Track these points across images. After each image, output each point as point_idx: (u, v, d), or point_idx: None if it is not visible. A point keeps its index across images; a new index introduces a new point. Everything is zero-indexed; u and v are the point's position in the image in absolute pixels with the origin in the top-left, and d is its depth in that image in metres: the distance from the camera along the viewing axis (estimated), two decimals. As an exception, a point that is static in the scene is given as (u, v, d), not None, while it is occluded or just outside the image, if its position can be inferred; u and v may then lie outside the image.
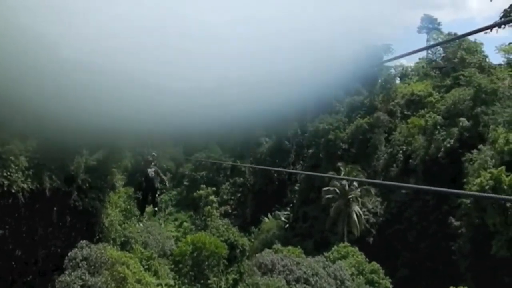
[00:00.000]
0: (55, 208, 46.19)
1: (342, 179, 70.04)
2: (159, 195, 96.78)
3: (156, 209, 27.85)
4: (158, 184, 24.50)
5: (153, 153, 25.26)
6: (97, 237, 46.24)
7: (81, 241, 40.14)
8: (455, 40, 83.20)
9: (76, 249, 38.74)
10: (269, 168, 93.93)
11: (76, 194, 47.58)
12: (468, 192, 10.99)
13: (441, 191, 6.91)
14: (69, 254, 38.64)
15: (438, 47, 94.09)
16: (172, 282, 45.11)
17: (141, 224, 57.07)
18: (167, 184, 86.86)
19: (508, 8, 24.88)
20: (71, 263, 37.57)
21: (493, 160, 56.93)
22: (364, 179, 74.01)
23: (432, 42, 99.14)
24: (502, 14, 29.01)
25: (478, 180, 53.41)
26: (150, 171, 22.09)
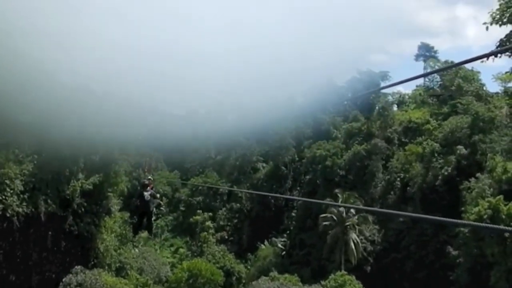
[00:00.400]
0: (50, 233, 45.91)
1: (340, 205, 69.67)
2: (155, 220, 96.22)
3: (151, 233, 27.52)
4: (154, 207, 24.25)
5: (149, 177, 25.19)
6: (92, 262, 45.86)
7: (76, 267, 39.84)
8: (452, 67, 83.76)
9: (71, 275, 38.42)
10: (266, 193, 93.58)
11: (72, 219, 47.35)
12: (466, 222, 10.78)
13: (440, 220, 6.71)
14: (63, 279, 38.33)
15: (435, 75, 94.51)
16: (167, 310, 44.67)
17: (136, 250, 56.68)
18: (162, 207, 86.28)
19: (504, 37, 24.91)
20: (65, 289, 37.13)
21: (491, 189, 56.76)
22: (361, 207, 73.52)
23: (429, 70, 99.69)
24: (498, 43, 29.14)
25: (476, 209, 53.13)
26: (146, 194, 21.88)
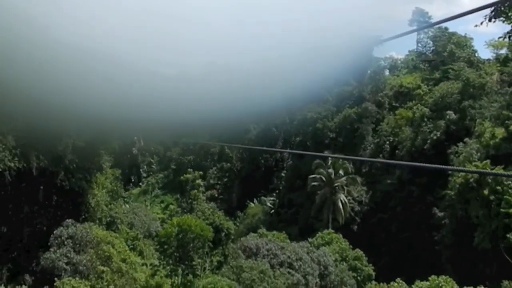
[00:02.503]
0: (41, 187, 46.30)
1: (333, 157, 70.15)
2: (146, 177, 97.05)
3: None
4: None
5: None
6: (83, 216, 46.42)
7: (67, 220, 40.28)
8: (441, 23, 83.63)
9: (62, 228, 38.88)
10: (257, 147, 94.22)
11: (63, 174, 47.66)
12: (458, 168, 11.24)
13: (429, 167, 7.18)
14: (54, 232, 38.79)
15: (428, 40, 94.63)
16: (156, 262, 45.43)
17: (127, 205, 57.36)
18: (154, 165, 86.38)
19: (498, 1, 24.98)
20: (56, 241, 37.73)
21: (479, 154, 57.61)
22: (352, 157, 74.30)
23: (422, 36, 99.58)
24: (492, 8, 29.34)
25: (463, 173, 53.99)
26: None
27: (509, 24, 54.01)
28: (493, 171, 46.80)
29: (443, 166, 7.72)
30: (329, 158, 71.80)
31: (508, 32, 56.59)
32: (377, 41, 37.12)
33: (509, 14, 50.16)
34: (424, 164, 7.29)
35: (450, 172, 59.22)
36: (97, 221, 46.54)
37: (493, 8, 29.95)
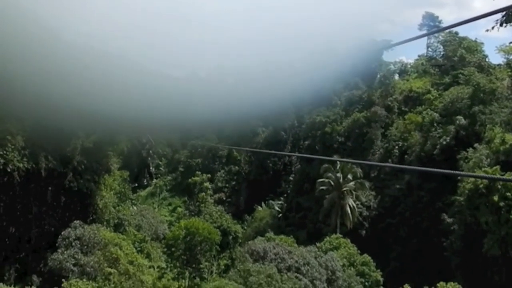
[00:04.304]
0: (50, 188, 46.41)
1: (340, 160, 69.93)
2: (154, 179, 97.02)
3: None
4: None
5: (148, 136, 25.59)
6: (91, 218, 46.52)
7: (75, 221, 40.36)
8: (453, 27, 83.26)
9: (70, 229, 38.96)
10: (266, 151, 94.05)
11: (72, 175, 47.79)
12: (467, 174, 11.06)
13: (438, 172, 6.99)
14: (62, 233, 38.87)
15: (438, 45, 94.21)
16: (164, 265, 45.43)
17: (135, 207, 57.35)
18: (162, 167, 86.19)
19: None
20: (64, 242, 37.79)
21: (488, 159, 57.14)
22: (360, 161, 73.89)
23: (433, 40, 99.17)
24: (504, 13, 29.00)
25: (472, 179, 53.57)
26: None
27: (520, 29, 53.58)
28: (503, 177, 46.49)
29: (452, 171, 7.53)
30: (338, 162, 71.49)
31: (519, 38, 56.18)
32: (387, 45, 37.00)
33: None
34: (434, 169, 7.13)
35: (459, 177, 58.87)
36: (105, 223, 46.61)
37: (504, 13, 29.59)
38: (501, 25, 52.25)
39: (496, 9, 7.03)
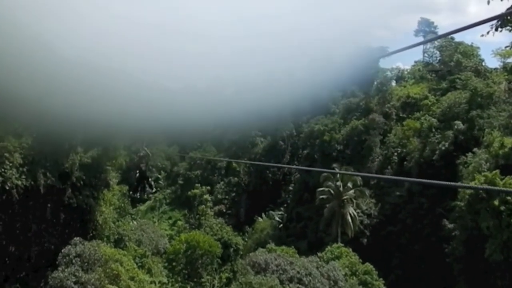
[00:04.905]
0: (49, 205, 46.17)
1: (339, 172, 70.01)
2: (153, 193, 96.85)
3: None
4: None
5: (145, 149, 25.63)
6: (91, 234, 46.24)
7: (75, 238, 40.14)
8: (449, 35, 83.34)
9: (70, 246, 38.72)
10: (265, 164, 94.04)
11: (70, 191, 47.57)
12: (464, 185, 11.00)
13: (440, 184, 6.89)
14: (62, 250, 38.63)
15: (435, 50, 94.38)
16: (165, 280, 45.12)
17: (135, 222, 57.06)
18: (161, 180, 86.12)
19: (506, 10, 24.76)
20: (64, 260, 37.55)
21: (488, 164, 57.11)
22: (360, 174, 73.81)
23: (429, 46, 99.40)
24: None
25: (472, 183, 53.46)
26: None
27: (516, 33, 53.78)
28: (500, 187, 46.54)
29: (447, 183, 7.44)
30: (337, 170, 71.37)
31: (515, 42, 56.27)
32: (385, 53, 36.97)
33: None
34: (439, 182, 7.04)
35: (459, 182, 58.83)
36: (105, 239, 46.34)
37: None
38: (496, 29, 52.32)
39: (493, 16, 6.98)
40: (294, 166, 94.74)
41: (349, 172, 73.99)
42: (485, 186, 52.45)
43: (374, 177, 75.81)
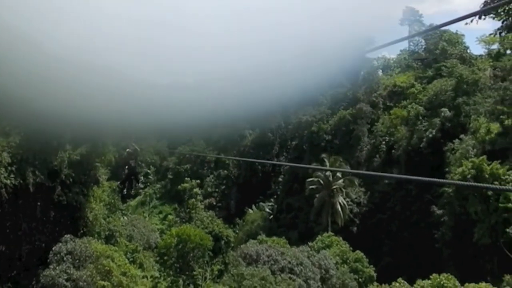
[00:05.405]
0: (38, 203, 46.14)
1: (325, 169, 70.44)
2: (143, 188, 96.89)
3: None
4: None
5: (133, 145, 25.74)
6: (82, 231, 46.29)
7: (66, 236, 40.22)
8: (436, 29, 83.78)
9: (61, 244, 38.81)
10: (252, 160, 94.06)
11: (60, 189, 47.54)
12: (450, 181, 11.31)
13: (424, 180, 7.13)
14: (53, 248, 38.72)
15: (420, 39, 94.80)
16: (157, 274, 45.35)
17: (125, 218, 57.20)
18: (151, 175, 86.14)
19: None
20: (55, 257, 37.64)
21: (475, 150, 57.66)
22: (348, 170, 74.29)
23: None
24: (482, 5, 29.38)
25: (460, 170, 53.98)
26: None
27: (499, 20, 54.12)
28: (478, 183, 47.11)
29: (431, 179, 7.70)
30: (326, 160, 71.70)
31: (498, 29, 56.55)
32: (372, 48, 37.24)
33: (499, 10, 50.27)
34: (442, 180, 7.28)
35: (446, 169, 59.37)
36: (96, 235, 46.42)
37: (483, 5, 29.89)
38: (479, 17, 52.74)
39: (482, 8, 7.27)
40: (288, 163, 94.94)
41: (349, 170, 74.13)
42: (472, 170, 52.91)
43: (373, 175, 75.93)
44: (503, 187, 5.79)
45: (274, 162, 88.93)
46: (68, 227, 45.54)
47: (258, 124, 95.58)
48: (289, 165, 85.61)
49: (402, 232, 65.54)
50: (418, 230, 62.97)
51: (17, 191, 44.00)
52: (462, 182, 45.11)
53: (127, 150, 30.45)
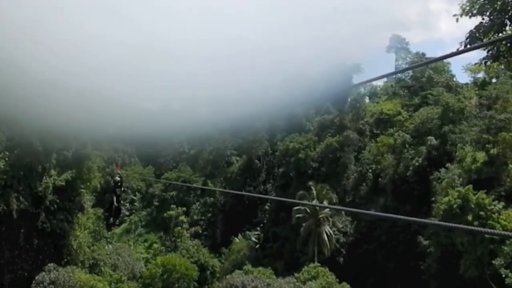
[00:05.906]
0: (22, 230, 45.54)
1: (313, 205, 70.16)
2: (128, 215, 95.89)
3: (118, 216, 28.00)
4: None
5: (119, 172, 25.52)
6: (65, 259, 45.63)
7: (49, 264, 39.68)
8: (424, 66, 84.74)
9: (44, 273, 38.27)
10: (239, 192, 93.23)
11: (44, 216, 47.02)
12: (437, 223, 11.11)
13: (410, 220, 7.01)
14: (36, 278, 38.16)
15: (406, 67, 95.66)
16: (141, 305, 44.70)
17: (110, 246, 56.48)
18: (136, 202, 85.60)
19: (474, 29, 25.38)
20: (38, 287, 37.01)
21: (461, 179, 57.67)
22: (335, 207, 73.41)
23: (400, 62, 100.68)
24: (467, 35, 29.48)
25: (446, 199, 53.91)
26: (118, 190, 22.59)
27: (484, 50, 54.71)
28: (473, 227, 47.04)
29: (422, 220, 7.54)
30: (313, 188, 71.43)
31: (484, 58, 57.13)
32: (361, 82, 37.36)
33: (484, 40, 50.80)
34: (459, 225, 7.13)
35: (433, 198, 59.30)
36: (80, 264, 45.75)
37: (468, 35, 30.19)
38: (465, 46, 53.24)
39: (479, 43, 7.28)
40: (267, 196, 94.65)
41: (333, 206, 73.50)
42: (459, 200, 52.81)
43: (359, 212, 75.62)
44: (494, 231, 5.63)
45: (261, 196, 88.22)
46: (52, 255, 44.92)
47: (245, 150, 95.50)
48: (275, 199, 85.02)
49: (389, 263, 65.08)
50: (405, 261, 62.51)
51: (1, 218, 43.47)
52: (457, 225, 45.03)
53: (114, 178, 30.04)
